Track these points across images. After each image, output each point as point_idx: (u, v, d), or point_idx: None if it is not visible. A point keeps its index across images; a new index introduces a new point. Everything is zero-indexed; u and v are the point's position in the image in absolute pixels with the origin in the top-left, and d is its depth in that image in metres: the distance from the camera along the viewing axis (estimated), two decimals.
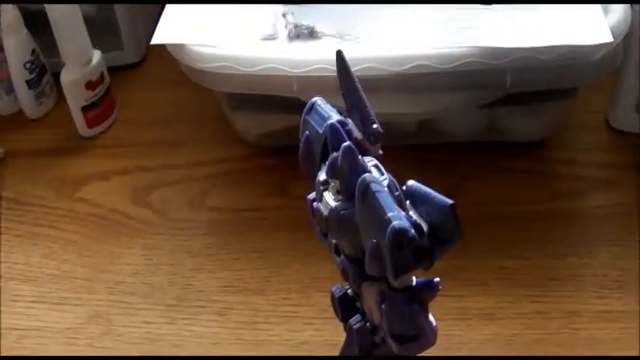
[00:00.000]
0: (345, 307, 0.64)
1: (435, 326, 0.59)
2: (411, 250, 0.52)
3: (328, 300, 0.79)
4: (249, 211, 0.95)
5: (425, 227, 0.53)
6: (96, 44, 1.02)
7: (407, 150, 0.96)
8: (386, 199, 0.52)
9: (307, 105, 0.60)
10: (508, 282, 0.85)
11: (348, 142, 0.55)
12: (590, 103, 1.01)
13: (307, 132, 0.60)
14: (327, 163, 0.56)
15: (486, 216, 0.91)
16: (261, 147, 1.00)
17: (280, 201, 0.95)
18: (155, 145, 1.03)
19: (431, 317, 0.59)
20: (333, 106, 0.60)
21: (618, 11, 0.85)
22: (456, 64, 0.82)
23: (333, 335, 0.81)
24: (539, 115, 0.94)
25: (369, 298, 0.59)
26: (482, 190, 0.94)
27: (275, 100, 0.89)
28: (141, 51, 1.13)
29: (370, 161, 0.57)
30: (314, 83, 0.83)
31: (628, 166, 0.96)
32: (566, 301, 0.83)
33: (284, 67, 0.83)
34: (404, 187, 0.56)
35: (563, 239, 0.89)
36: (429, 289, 0.57)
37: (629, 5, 0.86)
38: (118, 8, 1.08)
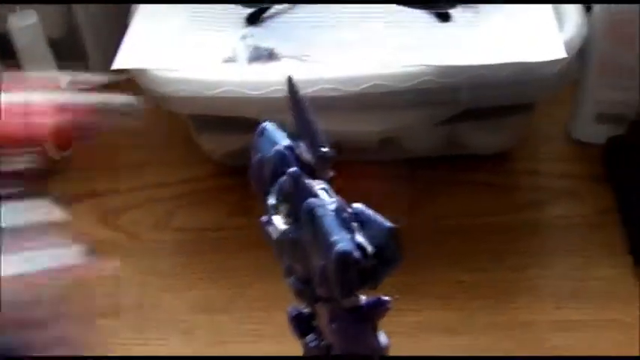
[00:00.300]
0: (302, 325, 0.65)
1: (386, 344, 0.60)
2: (356, 271, 0.53)
3: None
4: (213, 231, 0.96)
5: (369, 249, 0.54)
6: (63, 68, 1.03)
7: (369, 165, 0.97)
8: (331, 223, 0.54)
9: (258, 129, 0.61)
10: (467, 295, 0.86)
11: (294, 168, 0.56)
12: (551, 114, 1.03)
13: (258, 155, 0.61)
14: (275, 187, 0.57)
15: (446, 229, 0.92)
16: (227, 167, 1.01)
17: (243, 220, 0.96)
18: (124, 168, 1.04)
19: (382, 335, 0.61)
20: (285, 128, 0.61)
21: (573, 25, 0.87)
22: (412, 82, 0.83)
23: (297, 352, 0.82)
24: (499, 129, 0.95)
25: (323, 318, 0.61)
26: (442, 204, 0.95)
27: (239, 121, 0.90)
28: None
29: (319, 185, 0.58)
30: (274, 104, 0.84)
31: (589, 177, 0.97)
32: (524, 312, 0.84)
33: (244, 90, 0.84)
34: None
35: (523, 250, 0.90)
36: (378, 307, 0.59)
37: (584, 19, 0.88)
38: (86, 32, 1.09)
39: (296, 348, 0.82)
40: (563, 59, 0.83)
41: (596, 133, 0.99)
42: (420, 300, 0.86)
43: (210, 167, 1.01)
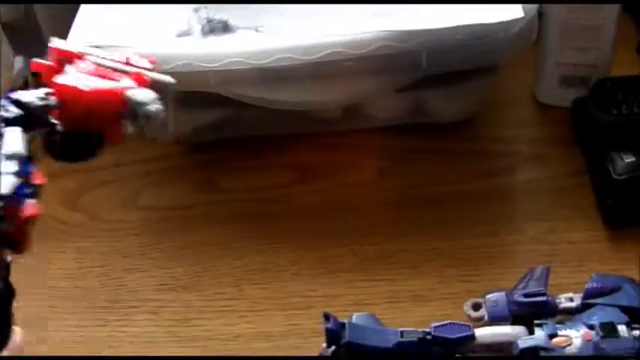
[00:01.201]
0: None
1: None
2: None
3: (260, 292, 0.80)
4: (179, 209, 0.94)
5: None
6: (20, 50, 1.01)
7: (334, 136, 0.96)
8: None
9: None
10: (439, 263, 0.86)
11: None
12: (516, 78, 1.02)
13: None
14: None
15: (416, 198, 0.92)
16: (191, 143, 1.00)
17: (210, 196, 0.95)
18: None
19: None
20: None
21: None
22: (370, 48, 0.82)
23: (266, 327, 0.82)
24: (462, 94, 0.94)
25: None
26: (410, 173, 0.94)
27: (197, 96, 0.89)
28: None
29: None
30: (230, 76, 0.84)
31: (556, 140, 0.97)
32: (497, 278, 0.83)
33: (199, 63, 0.83)
34: None
35: (494, 217, 0.89)
36: None
37: None
38: (40, 12, 1.07)
39: (263, 324, 0.82)
40: (521, 19, 0.82)
41: (561, 95, 0.98)
42: (392, 270, 0.85)
43: (173, 145, 1.00)
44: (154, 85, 0.60)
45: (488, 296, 0.76)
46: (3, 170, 0.53)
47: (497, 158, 0.96)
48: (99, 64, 0.60)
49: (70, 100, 0.57)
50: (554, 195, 0.91)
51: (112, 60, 0.61)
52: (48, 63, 0.60)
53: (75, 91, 0.57)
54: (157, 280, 0.88)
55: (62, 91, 0.57)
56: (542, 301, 0.75)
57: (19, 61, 1.00)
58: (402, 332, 0.72)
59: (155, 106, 0.58)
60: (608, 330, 0.70)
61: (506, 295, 0.76)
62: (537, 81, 1.00)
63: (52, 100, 0.58)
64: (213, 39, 0.87)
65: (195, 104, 0.92)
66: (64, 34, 0.89)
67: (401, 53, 0.82)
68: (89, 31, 0.87)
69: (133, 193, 0.97)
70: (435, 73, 0.87)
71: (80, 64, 0.60)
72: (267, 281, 0.86)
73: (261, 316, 0.83)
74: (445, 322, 0.72)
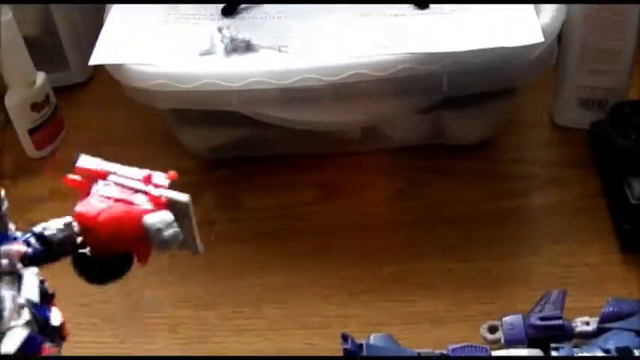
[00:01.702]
0: None
1: None
2: None
3: (279, 311, 0.80)
4: (200, 226, 0.94)
5: None
6: (41, 66, 1.02)
7: (353, 156, 0.97)
8: None
9: None
10: (455, 284, 0.86)
11: None
12: (535, 100, 1.02)
13: None
14: None
15: (434, 219, 0.92)
16: (211, 160, 1.00)
17: (232, 213, 0.95)
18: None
19: None
20: None
21: (550, 10, 0.86)
22: (392, 70, 0.83)
23: (283, 345, 0.82)
24: (481, 116, 0.95)
25: None
26: (429, 194, 0.95)
27: (219, 114, 0.89)
28: (87, 70, 1.13)
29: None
30: (252, 96, 0.84)
31: (573, 163, 0.97)
32: (514, 300, 0.83)
33: (221, 82, 0.84)
34: None
35: (510, 239, 0.90)
36: None
37: (562, 4, 0.87)
38: (62, 28, 1.08)
39: (285, 343, 0.82)
40: (541, 44, 0.83)
41: (579, 118, 0.98)
42: (409, 291, 0.86)
43: (195, 161, 1.00)
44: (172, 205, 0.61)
45: (505, 319, 0.76)
46: (12, 324, 0.53)
47: (515, 180, 0.96)
48: (120, 184, 0.61)
49: (90, 227, 0.58)
50: (571, 218, 0.91)
51: (132, 178, 0.62)
52: (78, 179, 0.62)
53: (92, 219, 0.58)
54: (175, 297, 0.88)
55: (81, 219, 0.58)
56: (558, 325, 0.75)
57: (40, 77, 1.01)
58: (419, 354, 0.72)
59: (171, 232, 0.58)
60: (625, 354, 0.70)
61: (523, 318, 0.76)
62: (555, 103, 1.00)
63: (75, 226, 0.58)
64: (236, 58, 0.87)
65: (218, 122, 0.93)
66: (85, 52, 0.90)
67: (422, 75, 0.83)
68: (112, 50, 0.88)
69: None
70: (455, 95, 0.87)
71: (101, 184, 0.61)
72: (286, 300, 0.86)
73: (279, 335, 0.83)
74: (462, 344, 0.72)
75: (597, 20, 0.91)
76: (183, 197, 0.62)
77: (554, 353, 0.72)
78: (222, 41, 0.88)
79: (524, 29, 0.84)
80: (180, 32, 0.91)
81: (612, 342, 0.73)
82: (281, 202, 0.96)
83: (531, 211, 0.93)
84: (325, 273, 0.88)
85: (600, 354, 0.71)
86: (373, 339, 0.73)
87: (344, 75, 0.82)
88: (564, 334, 0.75)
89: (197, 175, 1.00)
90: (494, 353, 0.73)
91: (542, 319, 0.76)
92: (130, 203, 0.60)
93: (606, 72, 0.95)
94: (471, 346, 0.73)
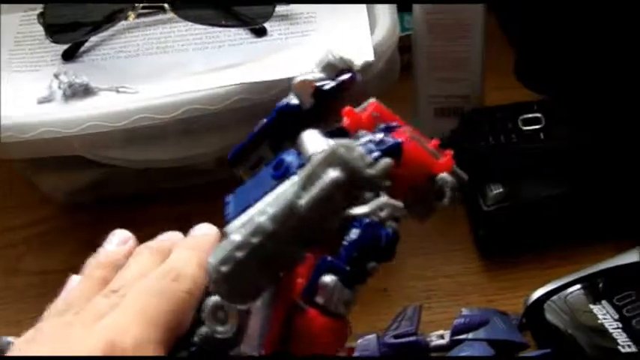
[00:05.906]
0: None
1: None
2: None
3: None
4: (62, 272, 0.94)
5: None
6: None
7: (207, 188, 0.96)
8: None
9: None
10: None
11: None
12: (397, 112, 1.02)
13: None
14: None
15: None
16: (71, 205, 0.99)
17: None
18: None
19: None
20: None
21: (383, 29, 0.87)
22: (227, 103, 0.82)
23: None
24: None
25: None
26: None
27: (70, 159, 0.88)
28: None
29: None
30: (94, 140, 0.84)
31: None
32: (374, 320, 0.82)
33: (59, 129, 0.83)
34: None
35: None
36: None
37: (395, 21, 0.88)
38: None
39: None
40: (370, 62, 0.83)
41: (438, 127, 0.98)
42: None
43: (55, 207, 0.99)
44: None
45: (360, 341, 0.77)
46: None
47: None
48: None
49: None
50: (430, 228, 0.91)
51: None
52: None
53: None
54: None
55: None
56: (411, 341, 0.76)
57: None
58: None
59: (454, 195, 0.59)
60: None
61: (378, 338, 0.76)
62: (414, 114, 1.01)
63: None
64: (74, 103, 0.87)
65: (72, 166, 0.92)
66: None
67: (256, 105, 0.83)
68: None
69: (15, 258, 0.96)
70: None
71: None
72: None
73: None
74: None
75: (442, 27, 0.92)
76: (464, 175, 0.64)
77: None
78: (59, 87, 0.88)
79: (356, 49, 0.84)
80: (19, 80, 0.91)
81: (464, 354, 0.74)
82: (144, 239, 0.95)
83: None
84: None
85: None
86: None
87: (178, 112, 0.82)
88: (418, 350, 0.76)
89: (58, 221, 0.99)
90: None
91: (395, 336, 0.76)
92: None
93: (458, 80, 0.95)
94: None
